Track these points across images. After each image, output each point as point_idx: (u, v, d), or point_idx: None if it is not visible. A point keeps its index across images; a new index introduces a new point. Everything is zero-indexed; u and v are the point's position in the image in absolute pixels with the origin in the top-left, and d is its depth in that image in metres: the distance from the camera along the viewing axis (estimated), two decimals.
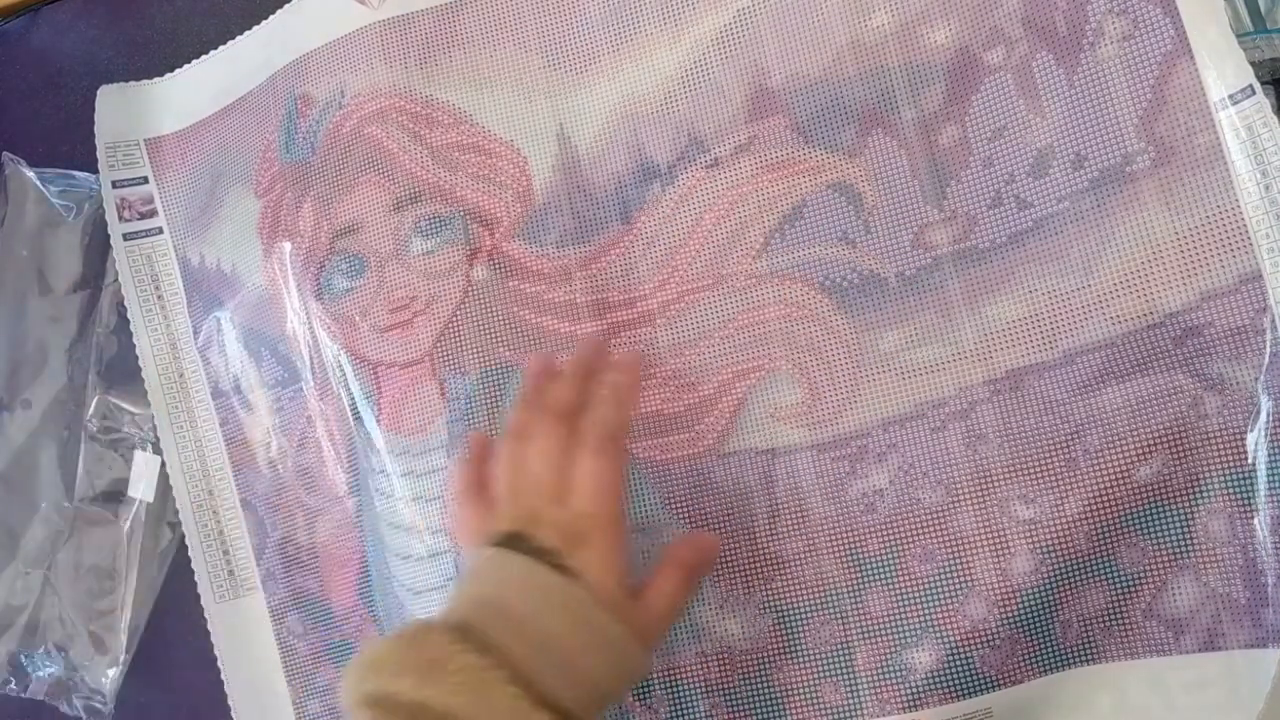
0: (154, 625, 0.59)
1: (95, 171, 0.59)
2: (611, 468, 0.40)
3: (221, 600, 0.57)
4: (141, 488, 0.59)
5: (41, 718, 0.60)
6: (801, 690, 0.45)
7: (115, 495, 0.59)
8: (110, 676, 0.58)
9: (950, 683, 0.43)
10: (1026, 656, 0.42)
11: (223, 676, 0.56)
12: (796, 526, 0.46)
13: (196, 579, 0.57)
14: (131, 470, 0.59)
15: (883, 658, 0.44)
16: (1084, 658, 0.42)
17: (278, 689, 0.56)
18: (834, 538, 0.45)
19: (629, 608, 0.39)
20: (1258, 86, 0.38)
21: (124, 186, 0.58)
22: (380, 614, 0.54)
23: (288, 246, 0.54)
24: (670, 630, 0.45)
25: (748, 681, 0.46)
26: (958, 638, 0.43)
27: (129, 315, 0.58)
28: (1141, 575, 0.41)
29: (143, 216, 0.59)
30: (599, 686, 0.36)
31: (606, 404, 0.42)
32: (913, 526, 0.44)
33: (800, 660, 0.46)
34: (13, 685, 0.59)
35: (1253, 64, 0.42)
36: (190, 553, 0.57)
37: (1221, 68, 0.39)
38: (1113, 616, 0.41)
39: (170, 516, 0.59)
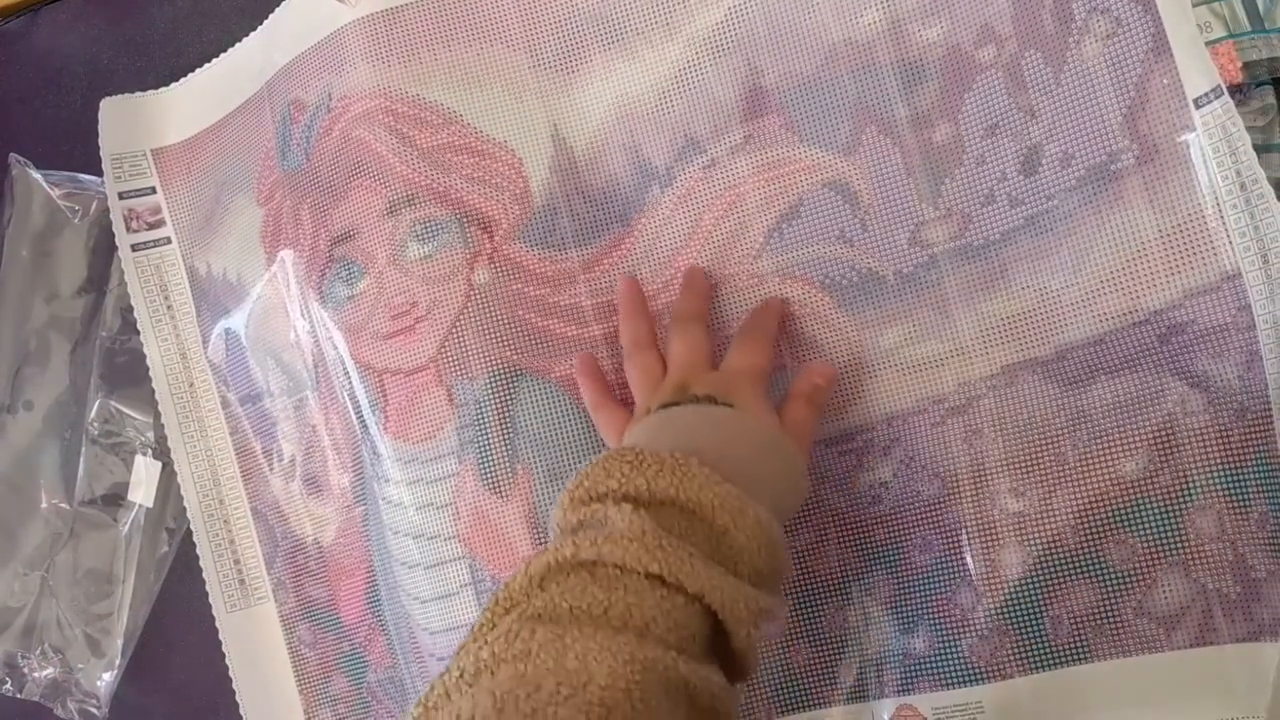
0: (151, 630, 0.63)
1: (96, 173, 0.62)
2: (763, 350, 0.48)
3: (233, 610, 0.61)
4: (141, 492, 0.62)
5: (38, 719, 0.63)
6: (819, 671, 0.50)
7: (115, 499, 0.63)
8: (105, 680, 0.62)
9: (940, 671, 0.47)
10: (1016, 651, 0.46)
11: (234, 686, 0.60)
12: (809, 517, 0.51)
13: (208, 588, 0.60)
14: (132, 475, 0.63)
15: (884, 643, 0.49)
16: (1075, 657, 0.45)
17: (289, 698, 0.60)
18: (844, 528, 0.50)
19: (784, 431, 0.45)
20: (1225, 88, 0.42)
21: (131, 197, 0.62)
22: (388, 623, 0.57)
23: (289, 255, 0.57)
24: None
25: (768, 664, 0.51)
26: (949, 627, 0.47)
27: (139, 326, 0.62)
28: (1131, 572, 0.45)
29: (151, 226, 0.62)
30: (777, 499, 0.42)
31: (763, 315, 0.50)
32: (913, 517, 0.49)
33: (816, 643, 0.50)
34: (9, 686, 0.63)
35: (1251, 63, 0.45)
36: (201, 562, 0.61)
37: (1191, 69, 0.43)
38: (1103, 614, 0.45)
39: (169, 522, 0.63)
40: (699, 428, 0.42)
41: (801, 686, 0.50)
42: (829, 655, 0.50)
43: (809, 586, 0.50)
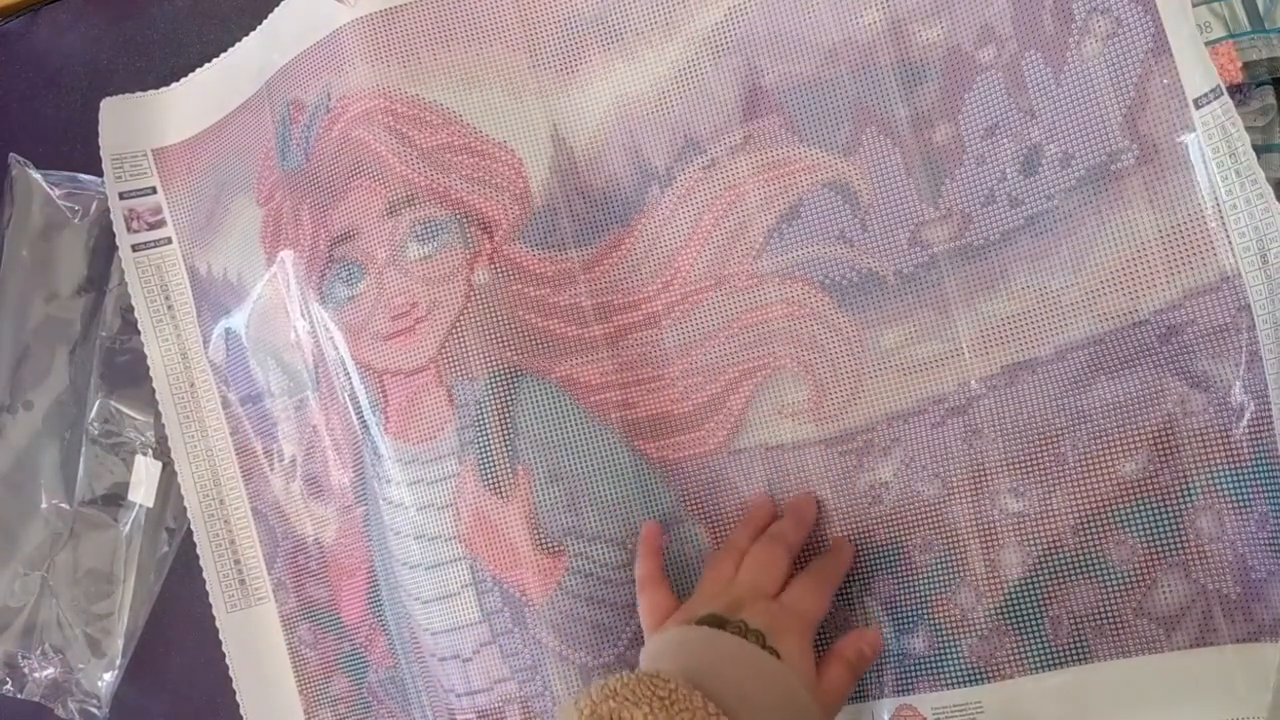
0: (151, 630, 0.63)
1: (96, 173, 0.62)
2: (825, 598, 0.47)
3: (233, 610, 0.61)
4: (141, 492, 0.62)
5: (39, 719, 0.63)
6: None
7: (115, 499, 0.63)
8: (106, 680, 0.62)
9: (940, 671, 0.47)
10: (1016, 651, 0.46)
11: (235, 686, 0.60)
12: None
13: (208, 588, 0.60)
14: (132, 475, 0.62)
15: (884, 642, 0.49)
16: (1075, 657, 0.45)
17: (289, 699, 0.60)
18: (844, 529, 0.50)
19: (817, 693, 0.44)
20: (1224, 88, 0.42)
21: (131, 197, 0.62)
22: (389, 623, 0.57)
23: (289, 255, 0.57)
24: None
25: None
26: (949, 627, 0.47)
27: (139, 326, 0.62)
28: (1131, 573, 0.45)
29: (151, 227, 0.62)
30: None
31: (837, 558, 0.49)
32: (914, 518, 0.48)
33: (816, 645, 0.50)
34: (9, 686, 0.63)
35: (1251, 64, 0.45)
36: (201, 562, 0.61)
37: (1192, 69, 0.43)
38: (1103, 615, 0.45)
39: (169, 522, 0.63)
40: (741, 673, 0.42)
41: None
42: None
43: None
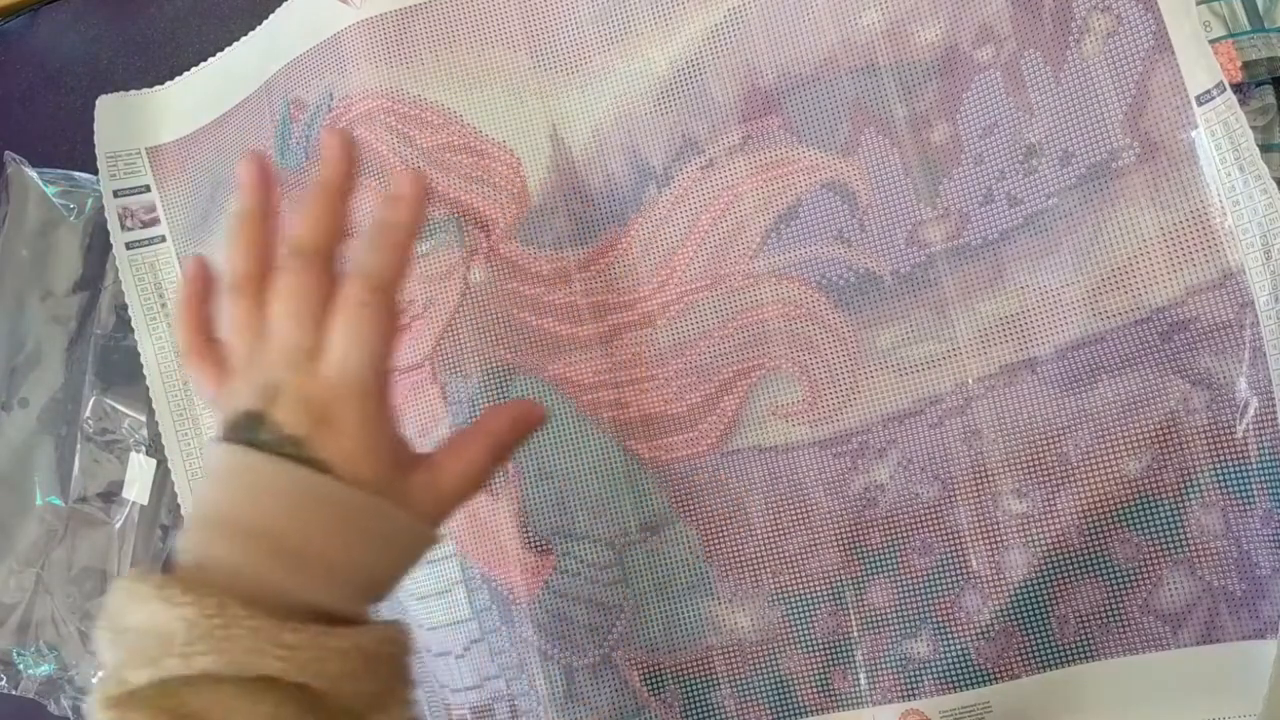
0: None
1: (95, 172, 0.61)
2: (375, 324, 0.34)
3: None
4: (135, 490, 0.61)
5: (33, 716, 0.62)
6: (811, 678, 0.48)
7: (109, 496, 0.61)
8: (100, 677, 0.61)
9: (946, 674, 0.46)
10: (1023, 651, 0.45)
11: None
12: (801, 521, 0.49)
13: None
14: (126, 472, 0.61)
15: (884, 648, 0.47)
16: (1083, 655, 0.44)
17: None
18: (838, 532, 0.48)
19: (395, 484, 0.35)
20: (1227, 84, 0.41)
21: (126, 195, 0.61)
22: (384, 619, 0.56)
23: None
24: (681, 624, 0.50)
25: (759, 672, 0.49)
26: (954, 629, 0.46)
27: (133, 324, 0.60)
28: (1136, 570, 0.43)
29: (145, 225, 0.61)
30: (367, 572, 0.34)
31: (376, 246, 0.36)
32: (912, 520, 0.47)
33: (809, 650, 0.48)
34: (4, 682, 0.61)
35: (1250, 63, 0.44)
36: None
37: (1194, 65, 0.42)
38: (1110, 613, 0.44)
39: (163, 519, 0.61)
40: (267, 512, 0.32)
41: (795, 693, 0.49)
42: (822, 662, 0.48)
43: (801, 592, 0.49)
